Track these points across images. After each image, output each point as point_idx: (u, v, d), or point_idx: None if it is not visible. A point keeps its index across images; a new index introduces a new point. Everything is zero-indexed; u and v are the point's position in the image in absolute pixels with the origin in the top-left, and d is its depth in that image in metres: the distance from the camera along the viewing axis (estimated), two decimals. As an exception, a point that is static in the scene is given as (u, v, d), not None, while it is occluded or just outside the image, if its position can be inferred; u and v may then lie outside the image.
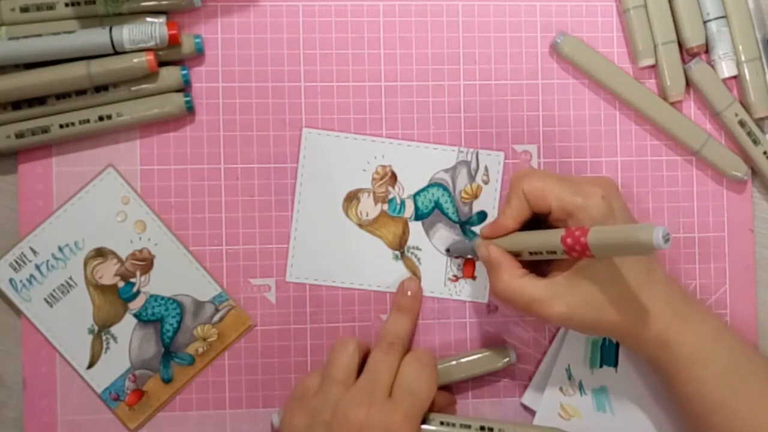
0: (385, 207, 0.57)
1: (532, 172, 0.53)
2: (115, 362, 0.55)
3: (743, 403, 0.51)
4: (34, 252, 0.55)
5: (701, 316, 0.52)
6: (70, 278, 0.55)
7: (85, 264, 0.55)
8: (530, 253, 0.51)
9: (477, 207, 0.58)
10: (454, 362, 0.56)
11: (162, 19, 0.54)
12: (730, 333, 0.53)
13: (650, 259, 0.50)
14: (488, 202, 0.58)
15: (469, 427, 0.53)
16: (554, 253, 0.49)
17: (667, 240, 0.43)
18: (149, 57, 0.53)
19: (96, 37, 0.53)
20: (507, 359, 0.56)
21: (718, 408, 0.51)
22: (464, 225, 0.57)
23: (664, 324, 0.50)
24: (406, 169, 0.57)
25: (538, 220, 0.52)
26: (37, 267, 0.55)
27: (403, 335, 0.54)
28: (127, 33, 0.53)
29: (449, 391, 0.57)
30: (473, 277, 0.57)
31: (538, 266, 0.52)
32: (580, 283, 0.49)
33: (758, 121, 0.58)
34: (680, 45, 0.57)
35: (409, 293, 0.56)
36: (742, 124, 0.57)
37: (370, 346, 0.54)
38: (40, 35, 0.53)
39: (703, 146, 0.57)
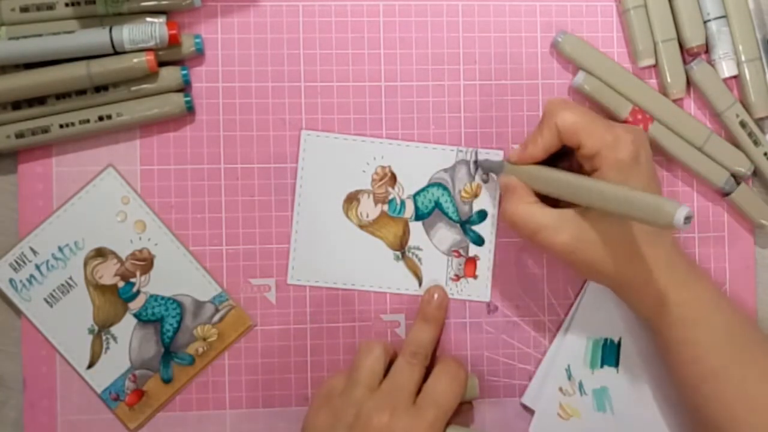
0: (385, 208, 0.57)
1: (567, 105, 0.52)
2: (115, 362, 0.55)
3: (735, 372, 0.50)
4: (34, 252, 0.55)
5: (701, 284, 0.52)
6: (70, 278, 0.55)
7: (85, 264, 0.55)
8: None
9: (477, 206, 0.58)
10: None
11: (162, 19, 0.54)
12: (729, 304, 0.52)
13: None
14: (488, 200, 0.57)
15: None
16: None
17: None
18: (149, 57, 0.53)
19: (96, 37, 0.53)
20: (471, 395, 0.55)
21: (711, 375, 0.50)
22: (465, 224, 0.57)
23: (663, 284, 0.50)
24: (405, 170, 0.57)
25: (563, 151, 0.53)
26: (37, 267, 0.55)
27: (426, 344, 0.54)
28: (127, 33, 0.53)
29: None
30: (474, 276, 0.57)
31: (550, 199, 0.52)
32: (590, 219, 0.49)
33: (758, 122, 0.58)
34: (680, 45, 0.57)
35: (435, 299, 0.56)
36: (743, 125, 0.57)
37: (397, 351, 0.54)
38: (40, 35, 0.53)
39: (706, 142, 0.57)
